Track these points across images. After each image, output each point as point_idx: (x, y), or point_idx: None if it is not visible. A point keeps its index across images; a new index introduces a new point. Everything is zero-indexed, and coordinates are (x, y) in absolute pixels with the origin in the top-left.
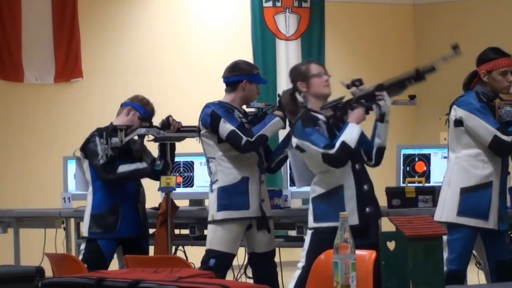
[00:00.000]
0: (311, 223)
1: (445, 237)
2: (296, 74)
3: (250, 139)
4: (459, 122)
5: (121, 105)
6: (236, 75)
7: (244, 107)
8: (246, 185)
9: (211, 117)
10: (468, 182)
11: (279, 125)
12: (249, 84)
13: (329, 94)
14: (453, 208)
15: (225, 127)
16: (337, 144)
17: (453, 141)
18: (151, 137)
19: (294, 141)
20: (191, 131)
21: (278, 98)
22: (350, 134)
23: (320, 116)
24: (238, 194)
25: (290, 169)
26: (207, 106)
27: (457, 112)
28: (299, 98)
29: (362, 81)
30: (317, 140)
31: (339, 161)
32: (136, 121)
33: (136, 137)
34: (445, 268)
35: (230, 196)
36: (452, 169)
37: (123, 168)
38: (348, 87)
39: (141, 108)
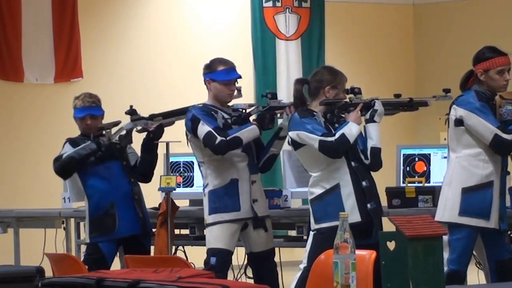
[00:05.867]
0: (313, 225)
1: (445, 237)
2: (331, 79)
3: (224, 138)
4: (459, 122)
5: None
6: (203, 73)
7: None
8: (236, 186)
9: (192, 121)
10: (469, 182)
11: (254, 132)
12: (212, 82)
13: None
14: (455, 208)
15: (202, 129)
16: (337, 135)
17: (453, 141)
18: (140, 128)
19: (290, 134)
20: (180, 113)
21: (267, 99)
22: (350, 130)
23: (315, 113)
24: (228, 196)
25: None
26: (189, 110)
27: (457, 112)
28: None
29: (361, 90)
30: (315, 129)
31: (336, 150)
32: (83, 127)
33: (123, 132)
34: (445, 268)
35: (220, 199)
36: (453, 169)
37: (67, 152)
38: (347, 92)
39: (76, 112)
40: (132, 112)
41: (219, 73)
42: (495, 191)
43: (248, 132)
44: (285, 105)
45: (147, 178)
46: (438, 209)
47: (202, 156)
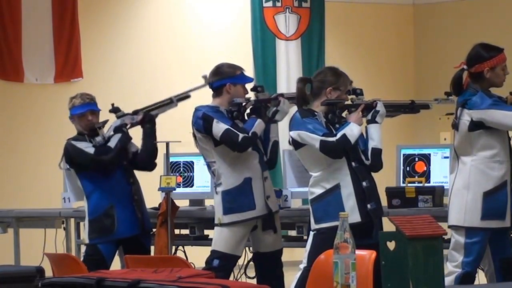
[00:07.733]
0: (313, 225)
1: (461, 240)
2: (333, 80)
3: (246, 134)
4: (475, 126)
5: None
6: (219, 79)
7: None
8: (249, 185)
9: (204, 119)
10: (488, 185)
11: (262, 125)
12: (233, 87)
13: None
14: (476, 212)
15: (219, 127)
16: (339, 135)
17: (467, 145)
18: (129, 126)
19: (291, 134)
20: (165, 104)
21: (256, 93)
22: (351, 130)
23: (317, 113)
24: (243, 195)
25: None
26: (197, 109)
27: (473, 115)
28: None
29: (362, 91)
30: (316, 129)
31: (336, 150)
32: (85, 123)
33: (111, 132)
34: (460, 271)
35: (235, 199)
36: (470, 172)
37: (113, 143)
38: (348, 93)
39: (77, 109)
40: (115, 109)
41: (240, 76)
42: (508, 189)
43: (259, 126)
44: (271, 96)
45: (149, 166)
46: (454, 213)
47: (213, 155)
